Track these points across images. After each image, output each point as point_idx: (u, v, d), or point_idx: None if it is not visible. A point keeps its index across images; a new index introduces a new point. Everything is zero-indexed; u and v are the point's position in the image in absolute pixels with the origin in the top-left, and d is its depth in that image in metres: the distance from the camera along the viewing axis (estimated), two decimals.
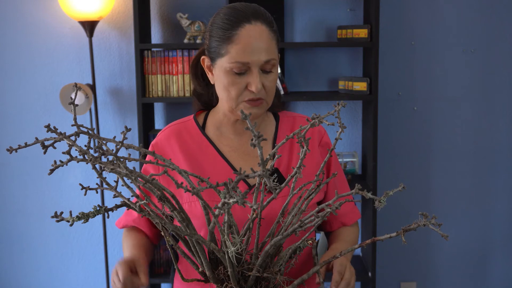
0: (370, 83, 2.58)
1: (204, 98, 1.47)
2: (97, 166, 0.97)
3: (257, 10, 1.31)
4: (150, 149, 1.42)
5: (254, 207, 0.93)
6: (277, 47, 1.32)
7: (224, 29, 1.29)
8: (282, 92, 2.63)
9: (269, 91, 1.32)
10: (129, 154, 0.98)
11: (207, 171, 1.37)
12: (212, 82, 1.38)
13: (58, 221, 0.93)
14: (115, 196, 1.01)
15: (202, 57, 1.38)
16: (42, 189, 2.92)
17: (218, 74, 1.32)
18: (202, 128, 1.44)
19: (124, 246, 1.42)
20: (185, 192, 0.92)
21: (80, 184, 1.00)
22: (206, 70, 1.38)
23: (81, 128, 0.98)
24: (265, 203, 1.09)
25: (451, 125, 2.88)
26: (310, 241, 1.20)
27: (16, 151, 0.95)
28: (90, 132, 0.98)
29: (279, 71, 2.57)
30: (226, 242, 0.99)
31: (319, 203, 1.45)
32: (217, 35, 1.30)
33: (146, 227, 1.45)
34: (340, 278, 1.23)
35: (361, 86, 2.59)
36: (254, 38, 1.27)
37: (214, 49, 1.31)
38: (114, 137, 1.00)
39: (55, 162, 0.94)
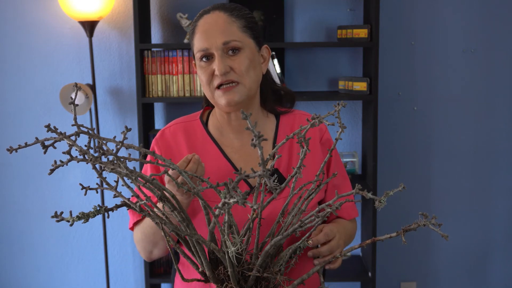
0: (370, 83, 2.57)
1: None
2: (97, 166, 0.97)
3: (221, 4, 1.37)
4: (157, 136, 1.45)
5: (255, 207, 0.93)
6: (241, 30, 1.34)
7: (192, 26, 1.37)
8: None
9: (241, 73, 1.32)
10: (129, 154, 0.98)
11: (209, 171, 1.37)
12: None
13: (58, 221, 0.92)
14: (115, 196, 1.01)
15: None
16: (42, 189, 2.92)
17: (197, 69, 1.38)
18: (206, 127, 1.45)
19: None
20: (185, 192, 0.92)
21: (80, 184, 1.00)
22: (195, 69, 1.43)
23: (81, 128, 0.98)
24: (265, 203, 1.09)
25: (451, 125, 2.87)
26: (310, 241, 1.20)
27: (16, 151, 0.95)
28: (90, 132, 0.98)
29: (278, 71, 2.57)
30: (226, 242, 0.99)
31: (320, 203, 1.45)
32: (189, 33, 1.39)
33: None
34: (325, 240, 1.23)
35: (361, 86, 2.59)
36: (210, 24, 1.33)
37: (191, 47, 1.39)
38: (114, 137, 1.00)
39: (55, 162, 0.93)
